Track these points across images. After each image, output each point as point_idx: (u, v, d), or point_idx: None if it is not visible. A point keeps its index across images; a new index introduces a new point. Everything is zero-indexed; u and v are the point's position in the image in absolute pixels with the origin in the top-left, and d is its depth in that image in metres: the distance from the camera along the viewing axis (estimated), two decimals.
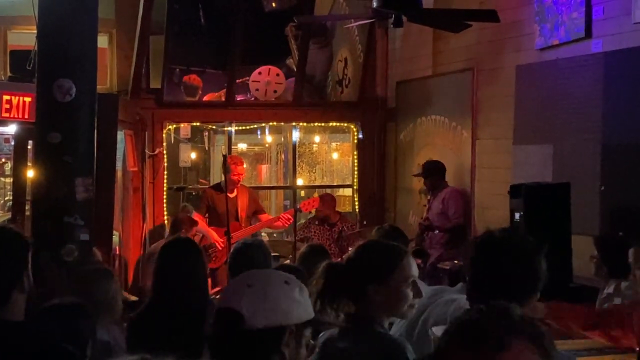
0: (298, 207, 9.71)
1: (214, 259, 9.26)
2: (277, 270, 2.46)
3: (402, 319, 3.41)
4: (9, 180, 10.71)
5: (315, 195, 11.19)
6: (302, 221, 10.60)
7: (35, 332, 2.79)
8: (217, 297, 7.28)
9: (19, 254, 2.83)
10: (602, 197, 7.05)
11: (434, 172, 9.12)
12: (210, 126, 11.98)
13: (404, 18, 8.06)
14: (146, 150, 10.51)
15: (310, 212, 10.27)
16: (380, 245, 3.26)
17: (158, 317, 3.86)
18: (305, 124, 11.61)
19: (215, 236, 9.16)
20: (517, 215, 6.51)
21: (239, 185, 9.54)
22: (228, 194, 8.86)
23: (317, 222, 10.04)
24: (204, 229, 9.25)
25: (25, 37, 9.42)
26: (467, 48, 9.23)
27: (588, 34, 7.23)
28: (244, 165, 9.59)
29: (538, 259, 2.67)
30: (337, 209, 10.38)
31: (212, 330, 2.16)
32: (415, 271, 3.12)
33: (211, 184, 11.26)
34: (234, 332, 2.10)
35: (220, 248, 9.08)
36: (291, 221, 9.75)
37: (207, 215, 9.50)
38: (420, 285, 3.13)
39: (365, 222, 10.78)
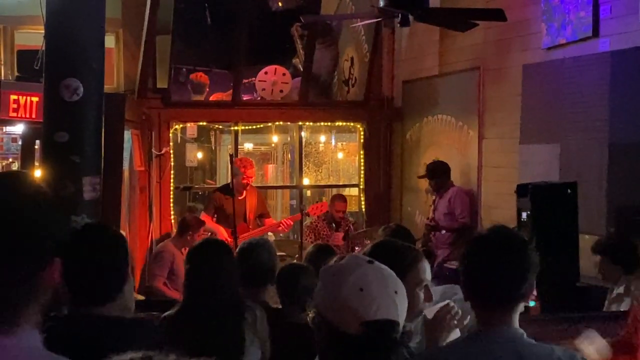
0: (306, 211, 9.66)
1: None
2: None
3: (409, 322, 3.39)
4: None
5: (325, 199, 11.16)
6: (307, 221, 10.59)
7: (146, 327, 2.84)
8: None
9: (125, 248, 2.89)
10: (608, 196, 7.04)
11: (438, 173, 9.11)
12: (216, 126, 11.98)
13: (411, 17, 8.05)
14: (153, 150, 10.52)
15: (318, 217, 10.21)
16: (397, 244, 3.23)
17: (192, 319, 3.86)
18: (311, 123, 11.61)
19: (223, 232, 9.16)
20: (524, 215, 6.51)
21: (248, 187, 9.53)
22: (237, 196, 8.84)
23: (324, 221, 10.01)
24: (212, 227, 9.25)
25: (32, 36, 9.43)
26: (473, 47, 9.23)
27: (595, 33, 7.21)
28: (252, 169, 9.55)
29: (526, 258, 2.65)
30: None
31: (366, 342, 2.08)
32: (428, 275, 3.12)
33: (218, 184, 11.27)
34: (391, 339, 2.11)
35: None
36: (291, 226, 9.75)
37: (215, 216, 9.50)
38: (430, 286, 3.13)
39: (370, 222, 10.78)
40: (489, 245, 2.67)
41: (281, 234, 10.78)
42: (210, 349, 3.59)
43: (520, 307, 2.67)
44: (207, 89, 11.38)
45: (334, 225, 9.99)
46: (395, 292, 2.14)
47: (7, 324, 1.63)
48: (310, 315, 2.20)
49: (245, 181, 9.26)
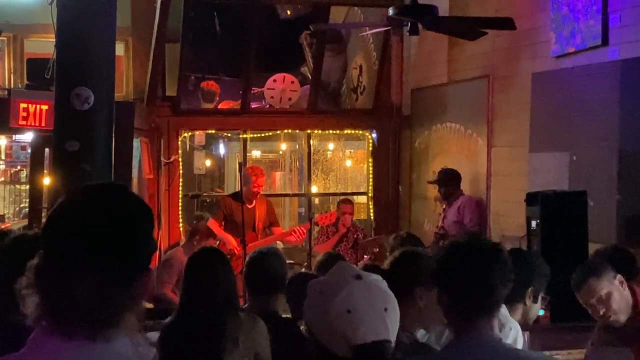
0: (315, 219, 9.62)
1: None
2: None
3: (426, 331, 3.42)
4: (25, 187, 10.77)
5: (333, 209, 11.15)
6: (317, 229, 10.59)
7: None
8: None
9: None
10: (618, 205, 7.02)
11: (449, 180, 9.09)
12: (225, 133, 12.00)
13: (420, 26, 8.05)
14: (162, 158, 10.54)
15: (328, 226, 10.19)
16: (426, 254, 3.35)
17: (188, 328, 3.86)
18: (320, 131, 11.62)
19: (232, 242, 9.12)
20: (533, 223, 6.49)
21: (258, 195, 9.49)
22: (247, 205, 8.82)
23: (334, 225, 10.02)
24: (221, 235, 9.23)
25: (42, 45, 9.47)
26: (482, 55, 9.22)
27: (605, 41, 7.20)
28: (263, 178, 9.50)
29: (500, 265, 2.67)
30: None
31: None
32: None
33: (226, 192, 11.26)
34: (384, 359, 2.05)
35: (237, 254, 9.06)
36: (304, 236, 9.69)
37: (223, 223, 9.48)
38: None
39: (379, 230, 10.78)
40: (464, 255, 2.67)
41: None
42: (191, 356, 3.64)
43: (498, 313, 2.69)
44: (217, 98, 11.40)
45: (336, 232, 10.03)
46: (385, 310, 2.07)
47: (105, 329, 1.70)
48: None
49: (255, 190, 9.20)
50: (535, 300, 3.59)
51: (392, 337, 2.07)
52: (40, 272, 1.70)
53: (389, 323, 2.06)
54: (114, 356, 1.70)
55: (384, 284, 2.15)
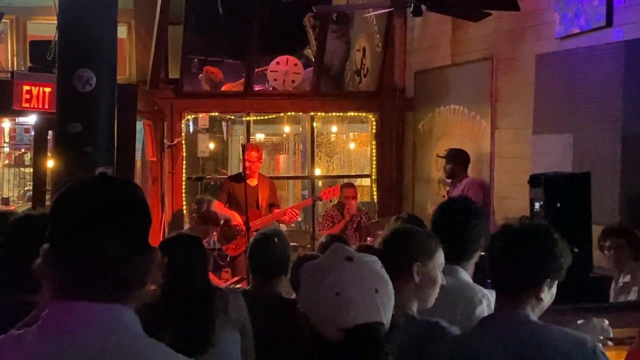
0: (318, 195, 9.68)
1: (234, 246, 9.27)
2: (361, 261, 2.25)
3: (424, 306, 3.45)
4: (29, 170, 10.79)
5: (337, 186, 11.18)
6: (321, 212, 10.60)
7: None
8: (237, 286, 7.30)
9: None
10: (622, 187, 7.01)
11: (458, 159, 9.05)
12: (228, 116, 11.99)
13: (423, 7, 8.03)
14: (165, 141, 10.55)
15: (331, 201, 10.24)
16: (421, 230, 3.42)
17: (168, 307, 3.89)
18: (323, 113, 11.60)
19: (237, 218, 9.14)
20: (536, 205, 6.48)
21: (258, 174, 9.48)
22: (249, 183, 8.82)
23: (338, 210, 10.04)
24: (225, 213, 9.23)
25: (45, 27, 9.46)
26: (486, 37, 9.19)
27: (609, 22, 7.17)
28: (255, 153, 9.42)
29: (559, 246, 2.83)
30: None
31: (347, 349, 1.99)
32: (444, 260, 3.26)
33: (229, 175, 11.28)
34: (373, 342, 2.01)
35: (243, 231, 9.09)
36: (297, 217, 9.68)
37: (227, 204, 9.50)
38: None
39: (382, 212, 10.78)
40: (508, 233, 2.85)
41: (292, 224, 10.79)
42: (181, 332, 3.66)
43: (537, 293, 2.80)
44: (219, 84, 11.35)
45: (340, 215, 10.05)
46: (376, 291, 2.02)
47: (118, 300, 1.74)
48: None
49: (246, 165, 8.97)
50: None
51: (385, 319, 2.03)
52: (53, 252, 1.72)
53: (380, 305, 2.02)
54: (128, 318, 1.74)
55: (376, 265, 2.10)
